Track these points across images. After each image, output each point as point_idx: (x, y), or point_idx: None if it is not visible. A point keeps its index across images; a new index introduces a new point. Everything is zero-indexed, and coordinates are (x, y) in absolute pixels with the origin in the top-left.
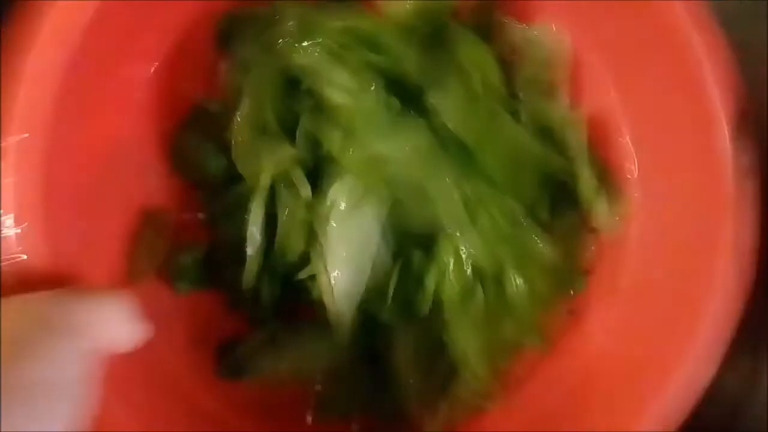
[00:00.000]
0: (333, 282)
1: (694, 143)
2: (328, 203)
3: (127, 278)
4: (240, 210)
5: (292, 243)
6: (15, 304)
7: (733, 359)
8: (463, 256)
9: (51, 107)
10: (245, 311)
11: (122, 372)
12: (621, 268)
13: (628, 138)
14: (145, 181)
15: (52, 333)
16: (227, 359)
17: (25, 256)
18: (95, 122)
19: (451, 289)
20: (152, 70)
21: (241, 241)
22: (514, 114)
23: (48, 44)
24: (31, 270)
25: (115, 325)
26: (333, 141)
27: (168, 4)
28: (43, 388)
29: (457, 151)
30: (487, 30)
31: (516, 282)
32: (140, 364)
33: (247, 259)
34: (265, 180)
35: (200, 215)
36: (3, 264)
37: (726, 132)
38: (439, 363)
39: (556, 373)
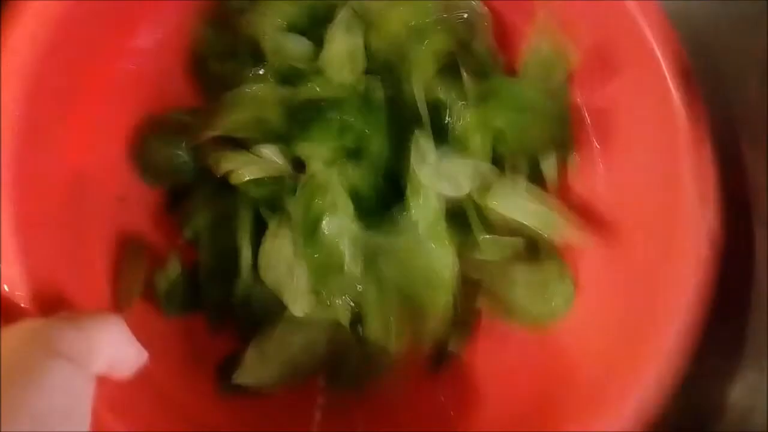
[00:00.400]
0: None
1: (648, 102)
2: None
3: (115, 305)
4: (221, 228)
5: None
6: (17, 332)
7: (739, 371)
8: None
9: (13, 136)
10: (233, 329)
11: (125, 398)
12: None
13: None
14: (123, 208)
15: (57, 359)
16: (227, 377)
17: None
18: (61, 151)
19: None
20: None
21: (225, 259)
22: None
23: (10, 60)
24: (12, 300)
25: (116, 348)
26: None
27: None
28: (51, 416)
29: None
30: None
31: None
32: (141, 388)
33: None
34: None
35: (181, 238)
36: None
37: (675, 84)
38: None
39: (528, 375)
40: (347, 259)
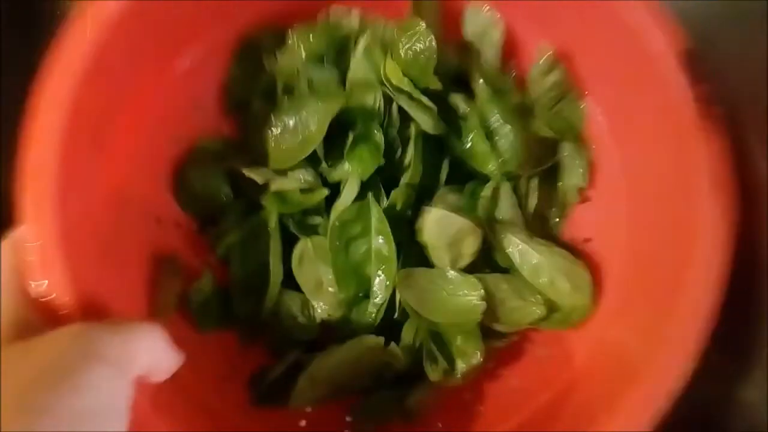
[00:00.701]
0: None
1: (652, 89)
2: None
3: (151, 317)
4: (251, 245)
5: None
6: (61, 335)
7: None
8: None
9: (56, 157)
10: (264, 343)
11: (166, 400)
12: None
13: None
14: (158, 228)
15: (97, 362)
16: (259, 388)
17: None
18: (103, 173)
19: None
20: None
21: (255, 275)
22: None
23: (56, 80)
24: (56, 305)
25: (154, 353)
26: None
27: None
28: (88, 415)
29: None
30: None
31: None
32: (180, 398)
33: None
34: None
35: (213, 258)
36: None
37: (675, 65)
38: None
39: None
40: (375, 286)
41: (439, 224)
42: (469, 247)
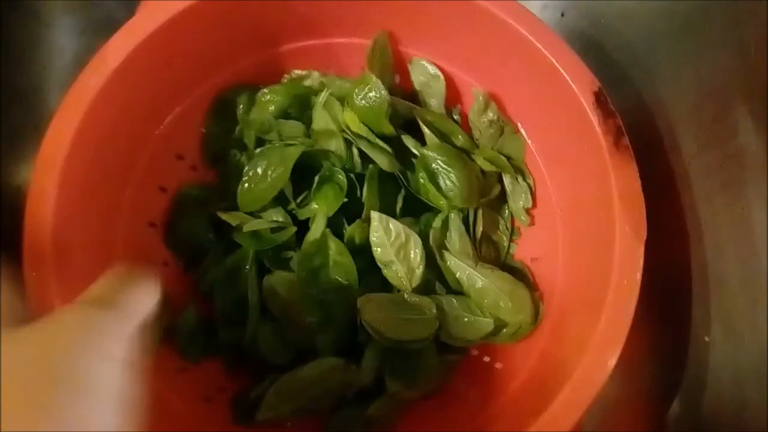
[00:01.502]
0: None
1: (570, 121)
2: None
3: None
4: (232, 280)
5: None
6: (66, 325)
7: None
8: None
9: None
10: (246, 368)
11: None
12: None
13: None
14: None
15: (106, 359)
16: (240, 408)
17: None
18: (95, 218)
19: None
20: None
21: (237, 306)
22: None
23: (55, 137)
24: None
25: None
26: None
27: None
28: (94, 413)
29: None
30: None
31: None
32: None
33: (249, 317)
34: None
35: (196, 294)
36: None
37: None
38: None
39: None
40: (335, 312)
41: (381, 222)
42: (417, 253)
